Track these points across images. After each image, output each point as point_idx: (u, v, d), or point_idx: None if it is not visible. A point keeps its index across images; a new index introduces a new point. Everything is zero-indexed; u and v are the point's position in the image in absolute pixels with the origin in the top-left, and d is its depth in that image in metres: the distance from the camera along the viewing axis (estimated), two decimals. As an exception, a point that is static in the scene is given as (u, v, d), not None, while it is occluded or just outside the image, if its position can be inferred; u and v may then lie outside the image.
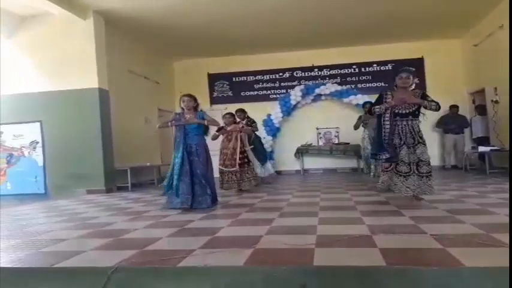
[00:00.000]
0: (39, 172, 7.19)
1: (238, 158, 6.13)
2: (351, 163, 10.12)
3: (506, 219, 3.17)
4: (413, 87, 4.26)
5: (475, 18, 8.47)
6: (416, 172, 3.98)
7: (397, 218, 3.47)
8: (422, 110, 4.10)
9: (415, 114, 4.05)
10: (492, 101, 8.13)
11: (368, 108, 4.71)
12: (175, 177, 4.52)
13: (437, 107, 3.95)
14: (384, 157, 4.09)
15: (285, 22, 8.33)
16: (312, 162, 10.36)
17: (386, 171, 4.20)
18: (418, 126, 4.08)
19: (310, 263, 2.24)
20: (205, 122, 4.75)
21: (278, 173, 10.03)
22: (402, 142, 4.03)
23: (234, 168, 6.10)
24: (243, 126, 6.53)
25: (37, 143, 7.23)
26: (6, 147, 7.30)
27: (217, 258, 2.44)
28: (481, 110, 8.90)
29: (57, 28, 7.32)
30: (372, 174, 7.01)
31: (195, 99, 4.81)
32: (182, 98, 4.78)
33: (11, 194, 7.13)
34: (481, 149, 7.55)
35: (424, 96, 4.07)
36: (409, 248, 2.45)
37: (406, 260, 2.22)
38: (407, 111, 4.04)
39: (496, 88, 8.05)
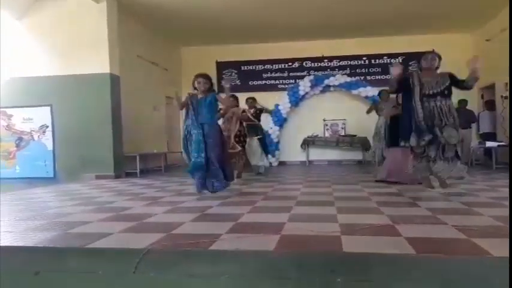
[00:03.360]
0: (49, 156, 7.22)
1: (233, 140, 6.14)
2: (356, 155, 10.18)
3: (523, 213, 3.22)
4: (439, 69, 4.16)
5: (489, 13, 8.44)
6: (442, 157, 3.93)
7: (414, 209, 3.52)
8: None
9: (444, 94, 3.97)
10: (502, 96, 8.15)
11: (395, 88, 4.53)
12: (202, 154, 4.33)
13: (469, 85, 3.92)
14: (427, 138, 3.93)
15: (296, 12, 8.30)
16: (318, 154, 10.42)
17: (421, 157, 4.09)
18: (449, 106, 3.97)
19: (340, 250, 2.28)
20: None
21: (282, 163, 10.09)
22: (431, 124, 3.96)
23: (236, 150, 6.08)
24: (244, 111, 6.61)
25: (47, 127, 7.24)
26: (15, 131, 7.32)
27: (245, 242, 2.48)
28: (489, 105, 8.93)
29: (70, 11, 7.28)
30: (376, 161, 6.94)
31: (210, 80, 4.54)
32: (197, 78, 4.45)
33: (20, 178, 7.17)
34: (489, 144, 7.60)
35: (452, 77, 4.03)
36: (435, 238, 2.49)
37: (434, 249, 2.27)
38: (435, 91, 3.96)
39: (507, 83, 8.06)
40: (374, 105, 7.33)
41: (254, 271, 2.09)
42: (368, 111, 7.37)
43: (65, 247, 2.55)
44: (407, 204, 3.75)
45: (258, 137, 6.74)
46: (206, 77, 4.49)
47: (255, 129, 6.90)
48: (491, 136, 8.49)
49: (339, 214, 3.32)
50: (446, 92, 3.96)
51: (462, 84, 3.97)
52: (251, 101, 7.03)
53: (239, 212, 3.48)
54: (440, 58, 4.09)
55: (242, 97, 7.30)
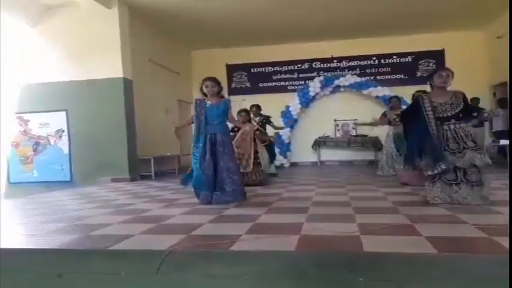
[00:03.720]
0: (65, 160, 7.34)
1: (252, 159, 5.82)
2: (368, 155, 10.14)
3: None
4: (450, 86, 3.86)
5: (499, 10, 8.35)
6: (464, 180, 3.60)
7: (432, 208, 3.51)
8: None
9: (459, 117, 3.69)
10: (515, 94, 8.06)
11: (400, 116, 4.34)
12: (196, 167, 4.11)
13: (480, 123, 3.63)
14: (442, 168, 3.59)
15: (305, 13, 8.33)
16: (329, 154, 10.41)
17: (434, 181, 3.72)
18: (464, 129, 3.68)
19: (360, 250, 2.29)
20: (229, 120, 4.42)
21: (294, 164, 10.09)
22: (443, 148, 3.65)
23: (248, 170, 5.74)
24: (258, 129, 6.30)
25: (63, 131, 7.37)
26: (32, 135, 7.45)
27: (265, 243, 2.51)
28: (502, 103, 8.83)
29: (82, 17, 7.40)
30: (381, 172, 6.84)
31: (218, 84, 4.26)
32: (205, 82, 4.18)
33: (38, 182, 7.30)
34: (503, 142, 7.51)
35: (466, 101, 3.76)
36: (456, 237, 2.49)
37: (455, 248, 2.27)
38: (448, 114, 3.69)
39: (520, 81, 7.99)
40: (383, 116, 7.07)
41: (275, 271, 2.11)
42: (377, 124, 7.16)
43: (88, 249, 2.60)
44: (424, 204, 3.74)
45: (265, 144, 6.68)
46: (214, 80, 4.24)
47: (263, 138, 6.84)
48: (505, 134, 8.38)
49: (356, 214, 3.32)
50: (461, 115, 3.69)
51: (471, 115, 3.71)
52: (255, 109, 7.01)
53: (256, 213, 3.51)
54: (453, 75, 3.78)
55: (251, 99, 7.26)
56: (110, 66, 7.26)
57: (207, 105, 4.21)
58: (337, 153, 10.33)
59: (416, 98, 3.96)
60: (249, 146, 5.84)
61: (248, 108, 6.63)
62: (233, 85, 10.87)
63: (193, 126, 4.44)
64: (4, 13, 7.17)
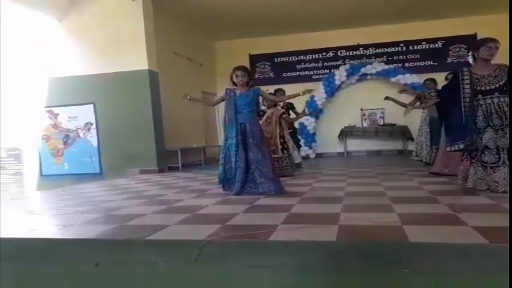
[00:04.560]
0: (94, 152, 7.46)
1: (279, 143, 5.71)
2: (396, 145, 9.90)
3: None
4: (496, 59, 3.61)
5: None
6: (507, 162, 3.35)
7: (472, 197, 3.36)
8: None
9: (503, 90, 3.45)
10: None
11: (438, 92, 4.15)
12: (233, 160, 4.04)
13: None
14: (458, 147, 3.49)
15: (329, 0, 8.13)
16: (355, 145, 10.22)
17: (472, 163, 3.54)
18: (508, 104, 3.44)
19: (406, 240, 2.20)
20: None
21: (319, 155, 9.95)
22: (486, 124, 3.47)
23: (277, 155, 5.60)
24: (284, 112, 6.14)
25: (91, 124, 7.48)
26: (62, 129, 7.60)
27: (304, 233, 2.44)
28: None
29: (107, 10, 7.45)
30: (417, 158, 6.65)
31: (249, 73, 4.20)
32: (235, 72, 4.13)
33: (69, 174, 7.46)
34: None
35: (510, 74, 3.49)
36: (505, 227, 2.35)
37: (505, 238, 2.14)
38: (492, 87, 3.48)
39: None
40: (419, 93, 6.84)
41: (316, 262, 2.05)
42: (402, 92, 6.84)
43: (124, 239, 2.61)
44: (464, 193, 3.59)
45: (289, 130, 6.58)
46: (245, 69, 4.19)
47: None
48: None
49: (393, 204, 3.21)
50: (505, 87, 3.46)
51: None
52: (282, 93, 6.86)
53: (289, 203, 3.45)
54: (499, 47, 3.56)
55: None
56: (135, 58, 7.29)
57: (237, 94, 4.17)
58: (364, 143, 10.13)
59: (456, 71, 3.74)
60: (274, 130, 5.72)
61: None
62: (256, 75, 10.76)
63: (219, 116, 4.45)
64: (31, 8, 7.30)
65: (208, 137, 10.27)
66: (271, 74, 10.73)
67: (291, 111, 7.10)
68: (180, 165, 7.88)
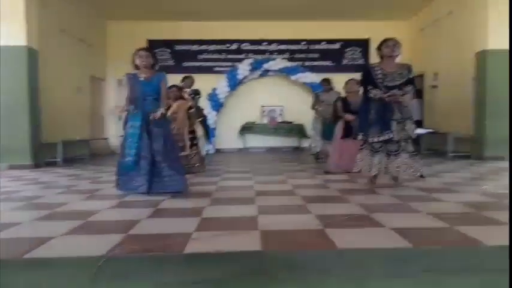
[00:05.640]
0: None
1: (188, 139, 5.26)
2: (293, 142, 10.20)
3: (478, 198, 3.33)
4: (399, 57, 3.91)
5: (423, 2, 8.72)
6: (408, 149, 3.80)
7: (380, 196, 3.48)
8: None
9: (401, 88, 3.75)
10: (430, 86, 8.65)
11: (360, 84, 4.33)
12: (133, 152, 3.59)
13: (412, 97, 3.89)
14: (389, 136, 3.74)
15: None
16: (255, 141, 10.23)
17: (374, 151, 3.86)
18: (406, 100, 3.80)
19: (333, 246, 2.06)
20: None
21: (218, 150, 9.73)
22: (390, 117, 3.75)
23: (185, 152, 5.14)
24: (191, 106, 5.61)
25: None
26: None
27: (225, 242, 2.16)
28: (417, 94, 9.47)
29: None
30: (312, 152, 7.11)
31: (153, 55, 3.85)
32: (138, 52, 3.75)
33: None
34: (419, 131, 8.04)
35: (410, 71, 3.85)
36: (420, 228, 2.40)
37: (427, 241, 2.16)
38: (396, 83, 3.76)
39: (436, 74, 8.55)
40: (316, 99, 7.14)
41: (244, 275, 1.78)
42: (313, 106, 7.25)
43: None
44: (370, 192, 3.70)
45: (200, 119, 6.23)
46: (149, 50, 3.91)
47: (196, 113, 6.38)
48: (418, 123, 9.02)
49: (308, 204, 3.13)
50: (406, 85, 3.78)
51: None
52: (187, 81, 6.43)
53: (199, 206, 3.12)
54: (400, 45, 3.86)
55: (174, 78, 6.34)
56: (10, 32, 6.07)
57: (140, 79, 3.71)
58: (263, 140, 10.19)
59: (366, 66, 4.05)
60: (182, 125, 5.17)
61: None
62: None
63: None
64: None
65: (95, 129, 9.24)
66: (171, 62, 10.09)
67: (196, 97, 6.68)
68: (61, 160, 6.87)
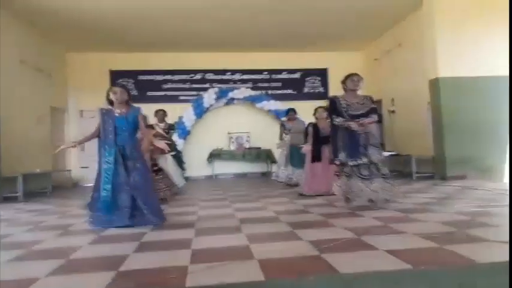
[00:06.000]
0: None
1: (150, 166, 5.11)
2: (261, 168, 10.25)
3: (454, 217, 3.47)
4: (361, 90, 4.31)
5: (376, 34, 9.36)
6: (379, 174, 4.01)
7: (362, 219, 3.53)
8: None
9: (367, 116, 4.11)
10: (389, 110, 9.09)
11: (328, 114, 4.64)
12: (107, 187, 3.52)
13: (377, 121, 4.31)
14: (363, 161, 4.04)
15: (197, 23, 8.11)
16: (223, 167, 10.17)
17: (348, 175, 4.10)
18: (371, 128, 4.13)
19: (334, 272, 2.06)
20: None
21: (186, 179, 9.55)
22: (357, 143, 4.06)
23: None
24: (155, 134, 5.55)
25: None
26: None
27: (225, 273, 2.09)
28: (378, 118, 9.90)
29: None
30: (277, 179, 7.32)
31: (127, 91, 3.91)
32: (113, 89, 3.82)
33: None
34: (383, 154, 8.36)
35: (372, 101, 4.28)
36: (413, 249, 2.45)
37: (420, 262, 2.20)
38: (360, 112, 4.10)
39: (393, 99, 9.03)
40: (282, 128, 7.48)
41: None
42: (281, 137, 7.49)
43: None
44: (352, 215, 3.76)
45: (172, 153, 6.13)
46: (124, 87, 3.99)
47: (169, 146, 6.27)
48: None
49: (295, 230, 3.13)
50: (369, 114, 4.14)
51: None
52: (162, 113, 6.44)
53: (185, 237, 3.03)
54: (363, 80, 4.27)
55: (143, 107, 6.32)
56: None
57: (116, 115, 3.71)
58: (231, 166, 10.16)
59: (332, 99, 4.35)
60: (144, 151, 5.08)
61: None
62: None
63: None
64: None
65: (56, 160, 8.80)
66: (135, 92, 9.92)
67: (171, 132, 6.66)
68: (21, 194, 6.45)
